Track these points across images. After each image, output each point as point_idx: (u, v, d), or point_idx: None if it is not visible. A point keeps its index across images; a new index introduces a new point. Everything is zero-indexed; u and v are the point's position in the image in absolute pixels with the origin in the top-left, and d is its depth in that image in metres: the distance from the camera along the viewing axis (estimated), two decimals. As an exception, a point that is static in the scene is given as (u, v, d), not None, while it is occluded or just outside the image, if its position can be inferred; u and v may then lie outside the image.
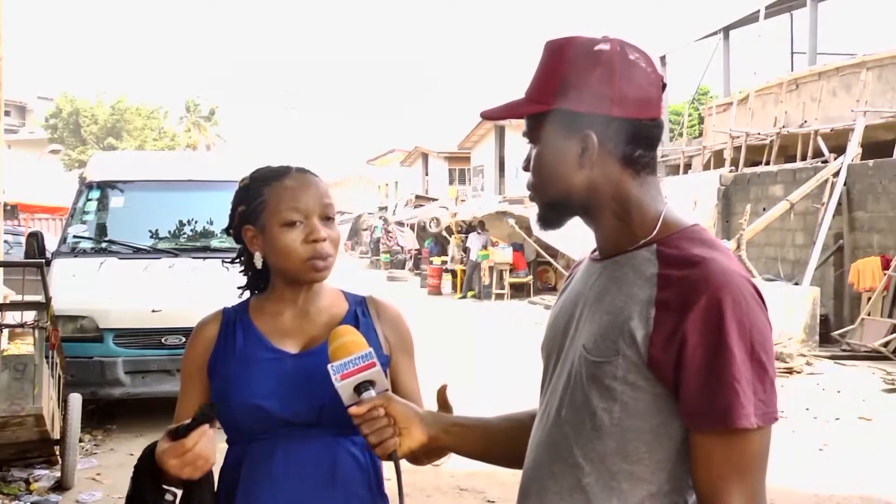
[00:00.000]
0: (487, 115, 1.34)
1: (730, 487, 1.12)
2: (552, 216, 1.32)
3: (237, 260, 1.73)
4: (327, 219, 1.61)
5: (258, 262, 1.65)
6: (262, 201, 1.60)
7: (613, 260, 1.27)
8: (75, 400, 5.28)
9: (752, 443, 1.12)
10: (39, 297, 5.26)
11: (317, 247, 1.57)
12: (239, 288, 1.75)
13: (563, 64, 1.25)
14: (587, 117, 1.22)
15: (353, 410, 1.37)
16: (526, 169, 1.32)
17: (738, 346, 1.11)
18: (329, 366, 1.39)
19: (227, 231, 1.71)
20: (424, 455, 1.46)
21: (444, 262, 22.09)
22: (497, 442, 1.47)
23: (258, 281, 1.71)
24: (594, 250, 1.34)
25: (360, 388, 1.39)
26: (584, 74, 1.23)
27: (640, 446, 1.18)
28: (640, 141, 1.24)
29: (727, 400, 1.10)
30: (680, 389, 1.14)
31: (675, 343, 1.13)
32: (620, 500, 1.19)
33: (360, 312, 1.69)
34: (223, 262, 1.77)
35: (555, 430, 1.26)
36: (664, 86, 1.27)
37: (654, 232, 1.24)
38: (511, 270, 18.59)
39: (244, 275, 1.73)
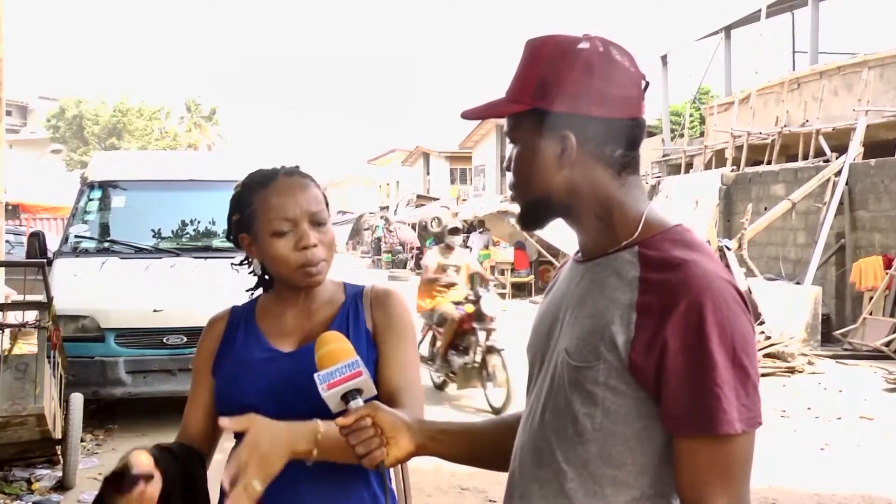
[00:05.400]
0: (467, 115, 1.32)
1: (714, 492, 1.11)
2: (533, 216, 1.31)
3: (245, 262, 1.75)
4: (317, 222, 1.60)
5: (257, 269, 1.68)
6: (252, 210, 1.61)
7: (595, 262, 1.25)
8: (77, 399, 5.29)
9: (736, 448, 1.11)
10: (41, 297, 5.26)
11: (307, 254, 1.57)
12: (247, 290, 1.77)
13: (542, 63, 1.22)
14: (566, 117, 1.20)
15: (339, 422, 1.35)
16: (507, 169, 1.30)
17: (719, 351, 1.10)
18: (315, 375, 1.38)
19: (228, 238, 1.72)
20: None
21: (446, 262, 22.08)
22: (485, 447, 1.46)
23: (266, 280, 1.72)
24: (577, 251, 1.33)
25: (347, 397, 1.37)
26: (563, 73, 1.20)
27: (622, 451, 1.17)
28: (620, 141, 1.22)
29: (710, 406, 1.09)
30: (662, 395, 1.13)
31: (655, 348, 1.12)
32: None
33: (353, 307, 1.68)
34: (232, 264, 1.77)
35: (538, 435, 1.25)
36: (647, 84, 1.25)
37: (637, 233, 1.22)
38: (512, 270, 18.59)
39: (254, 275, 1.74)
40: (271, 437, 1.38)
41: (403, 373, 1.63)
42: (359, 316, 1.67)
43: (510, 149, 1.30)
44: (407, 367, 1.64)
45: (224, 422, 1.37)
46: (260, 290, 1.76)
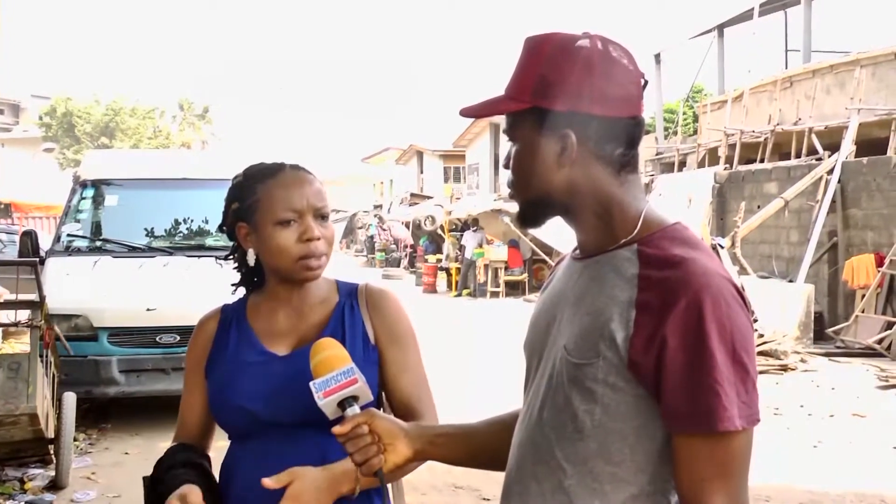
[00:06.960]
0: (466, 113, 1.31)
1: (713, 489, 1.12)
2: (531, 215, 1.30)
3: (230, 257, 1.72)
4: (321, 217, 1.60)
5: (251, 260, 1.65)
6: (255, 199, 1.59)
7: (594, 259, 1.25)
8: (70, 399, 5.26)
9: (735, 445, 1.12)
10: (33, 296, 5.24)
11: (310, 246, 1.57)
12: (232, 285, 1.74)
13: (541, 61, 1.22)
14: (566, 116, 1.20)
15: (336, 430, 1.36)
16: (506, 167, 1.30)
17: (719, 348, 1.10)
18: (311, 383, 1.38)
19: (220, 228, 1.70)
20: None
21: (440, 261, 22.09)
22: (483, 448, 1.46)
23: (252, 278, 1.71)
24: (575, 248, 1.33)
25: (343, 404, 1.38)
26: (563, 72, 1.20)
27: (622, 448, 1.17)
28: (620, 140, 1.22)
29: (709, 403, 1.09)
30: (661, 392, 1.13)
31: (654, 345, 1.12)
32: (602, 501, 1.18)
33: (348, 306, 1.66)
34: (216, 259, 1.78)
35: (537, 432, 1.25)
36: (646, 83, 1.25)
37: (635, 231, 1.22)
38: (506, 268, 18.59)
39: (238, 272, 1.72)
40: (314, 486, 1.45)
41: (414, 380, 1.66)
42: (355, 316, 1.65)
43: (509, 147, 1.29)
44: (416, 373, 1.67)
45: (267, 482, 1.41)
46: (243, 290, 1.74)
